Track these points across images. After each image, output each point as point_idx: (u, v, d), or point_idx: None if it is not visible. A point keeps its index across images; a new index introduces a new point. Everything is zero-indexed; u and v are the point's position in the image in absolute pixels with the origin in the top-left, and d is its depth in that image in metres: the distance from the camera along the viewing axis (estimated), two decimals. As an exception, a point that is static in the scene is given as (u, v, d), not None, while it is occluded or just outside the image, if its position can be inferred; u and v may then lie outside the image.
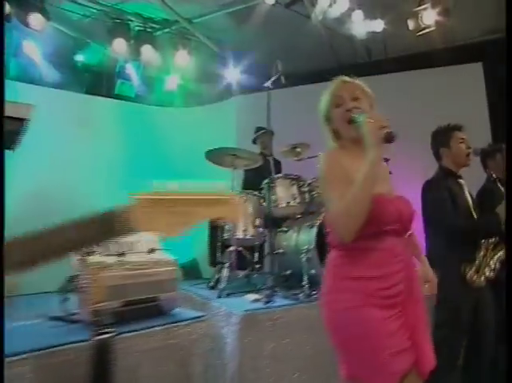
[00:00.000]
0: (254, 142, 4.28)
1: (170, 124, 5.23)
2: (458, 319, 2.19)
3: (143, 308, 2.09)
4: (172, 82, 5.19)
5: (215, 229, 3.38)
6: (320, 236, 2.75)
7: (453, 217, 2.22)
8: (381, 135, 1.22)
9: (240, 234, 3.16)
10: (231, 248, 3.09)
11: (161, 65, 4.77)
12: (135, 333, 1.94)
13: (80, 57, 4.73)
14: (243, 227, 3.17)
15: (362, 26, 4.34)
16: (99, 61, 4.86)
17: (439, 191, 2.29)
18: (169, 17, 4.63)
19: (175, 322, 2.08)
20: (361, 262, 1.30)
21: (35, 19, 3.77)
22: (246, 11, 4.45)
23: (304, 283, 2.67)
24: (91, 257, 2.03)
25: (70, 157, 4.63)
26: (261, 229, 3.20)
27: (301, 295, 2.62)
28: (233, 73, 5.15)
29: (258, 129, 4.25)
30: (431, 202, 2.31)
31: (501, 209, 2.17)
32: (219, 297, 2.77)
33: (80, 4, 4.20)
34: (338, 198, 1.24)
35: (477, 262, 2.20)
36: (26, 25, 3.74)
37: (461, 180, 2.39)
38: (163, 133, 5.15)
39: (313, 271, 2.72)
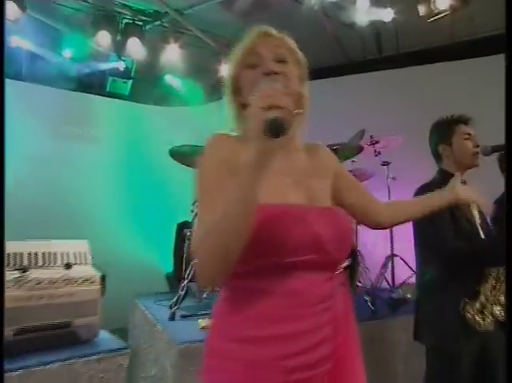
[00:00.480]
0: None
1: (162, 122, 4.92)
2: (455, 372, 1.65)
3: (48, 336, 1.70)
4: (166, 79, 4.87)
5: (182, 238, 2.96)
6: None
7: (450, 236, 1.70)
8: (265, 120, 0.70)
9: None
10: (194, 261, 2.64)
11: (152, 61, 4.45)
12: (26, 370, 1.54)
13: (68, 53, 4.47)
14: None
15: (368, 15, 3.85)
16: (89, 56, 4.59)
17: None
18: (159, 8, 4.31)
19: (85, 356, 1.67)
20: (254, 311, 0.82)
21: (9, 9, 3.52)
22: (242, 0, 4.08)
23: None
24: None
25: (59, 156, 4.45)
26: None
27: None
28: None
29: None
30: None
31: None
32: (171, 319, 2.33)
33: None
34: (210, 213, 0.78)
35: (482, 297, 1.65)
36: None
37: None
38: (156, 132, 4.84)
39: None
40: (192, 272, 2.62)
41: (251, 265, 0.81)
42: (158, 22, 4.41)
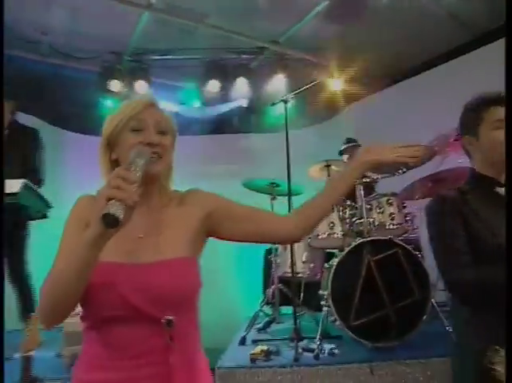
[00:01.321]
0: (341, 154, 3.77)
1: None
2: None
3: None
4: (274, 108, 5.09)
5: (269, 263, 3.08)
6: (342, 280, 2.12)
7: (465, 261, 1.31)
8: (101, 210, 0.79)
9: (287, 271, 2.78)
10: (272, 287, 2.74)
11: (259, 94, 4.79)
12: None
13: (196, 103, 5.20)
14: (289, 263, 2.78)
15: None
16: (213, 102, 5.24)
17: (447, 216, 1.39)
18: (259, 44, 4.61)
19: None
20: (86, 356, 0.97)
21: (138, 85, 4.44)
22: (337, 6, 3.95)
23: (316, 340, 2.09)
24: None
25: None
26: (312, 264, 2.73)
27: (314, 353, 2.05)
28: (338, 83, 4.63)
29: (348, 141, 3.77)
30: (436, 235, 1.43)
31: None
32: (242, 344, 2.48)
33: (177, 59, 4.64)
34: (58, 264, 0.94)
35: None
36: (132, 92, 4.43)
37: (503, 190, 1.39)
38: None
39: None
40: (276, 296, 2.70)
41: (84, 313, 0.96)
42: (261, 57, 4.73)
